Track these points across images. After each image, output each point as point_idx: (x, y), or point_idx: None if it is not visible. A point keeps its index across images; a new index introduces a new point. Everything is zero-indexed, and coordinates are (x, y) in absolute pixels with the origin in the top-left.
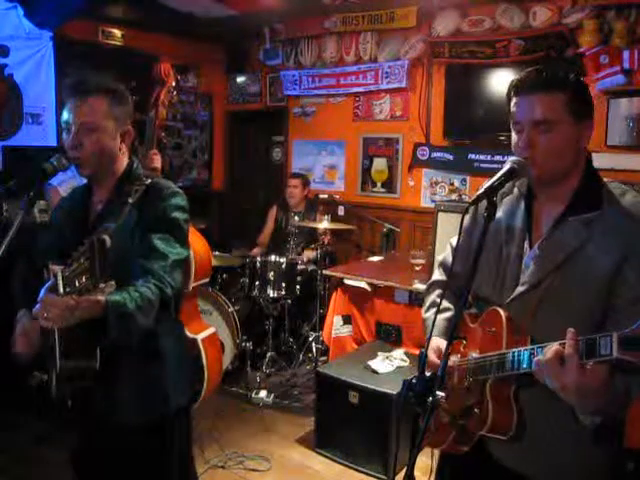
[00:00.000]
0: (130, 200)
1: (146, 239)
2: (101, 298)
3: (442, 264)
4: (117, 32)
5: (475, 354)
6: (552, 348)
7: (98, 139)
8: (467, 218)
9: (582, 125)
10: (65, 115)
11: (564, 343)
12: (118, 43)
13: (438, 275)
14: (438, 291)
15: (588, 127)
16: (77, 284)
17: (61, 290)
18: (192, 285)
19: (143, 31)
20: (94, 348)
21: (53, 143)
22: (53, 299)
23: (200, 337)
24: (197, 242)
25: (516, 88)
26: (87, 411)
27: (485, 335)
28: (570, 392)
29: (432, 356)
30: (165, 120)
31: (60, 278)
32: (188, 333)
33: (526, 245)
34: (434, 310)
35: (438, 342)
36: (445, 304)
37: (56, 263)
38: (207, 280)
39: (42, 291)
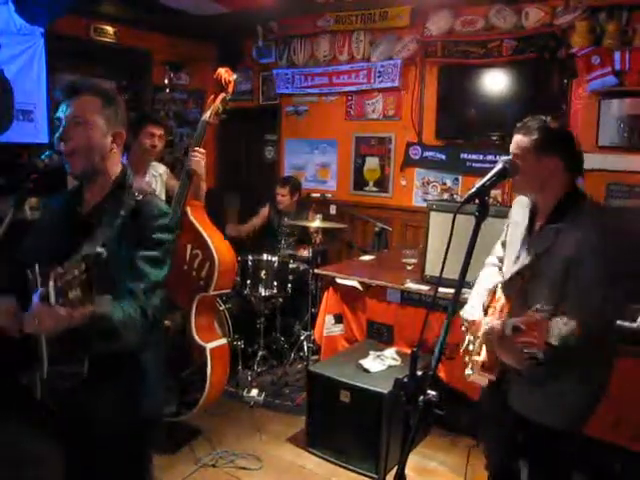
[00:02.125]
0: (123, 213)
1: (129, 256)
2: (91, 309)
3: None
4: (109, 29)
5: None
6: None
7: (87, 134)
8: (516, 210)
9: (544, 160)
10: (58, 113)
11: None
12: (110, 40)
13: (490, 258)
14: (487, 269)
15: (552, 161)
16: (70, 296)
17: (53, 301)
18: (212, 293)
19: (135, 28)
20: (82, 354)
21: (44, 140)
22: (46, 310)
23: (209, 346)
24: (224, 252)
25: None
26: (65, 414)
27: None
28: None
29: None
30: (212, 124)
31: (52, 289)
32: (199, 341)
33: (527, 239)
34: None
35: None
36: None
37: (44, 271)
38: (228, 291)
39: (34, 298)
